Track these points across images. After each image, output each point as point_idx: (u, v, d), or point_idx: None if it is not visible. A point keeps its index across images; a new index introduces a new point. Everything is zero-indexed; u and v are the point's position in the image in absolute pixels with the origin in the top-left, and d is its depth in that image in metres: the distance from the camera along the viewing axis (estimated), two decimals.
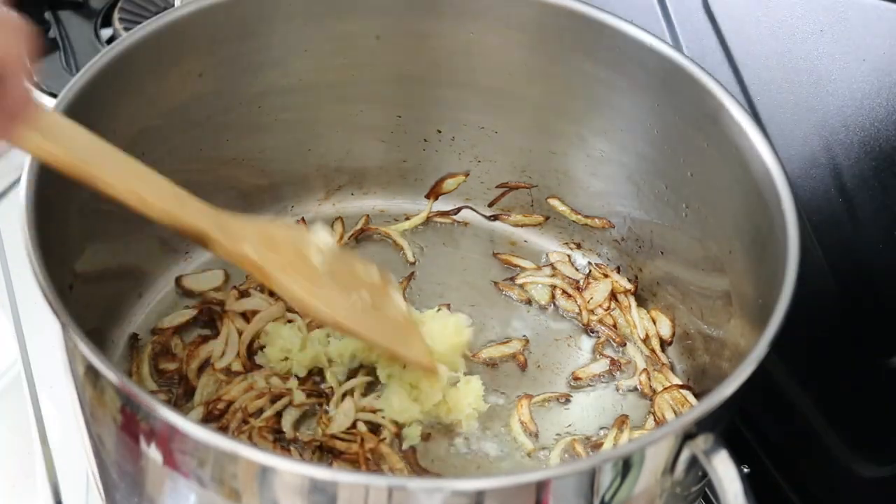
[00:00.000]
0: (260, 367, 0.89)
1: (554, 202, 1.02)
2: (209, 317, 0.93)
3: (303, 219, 1.02)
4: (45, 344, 0.99)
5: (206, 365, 0.89)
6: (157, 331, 0.92)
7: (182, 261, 0.98)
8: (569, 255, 1.02)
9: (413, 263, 1.01)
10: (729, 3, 0.98)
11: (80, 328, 0.66)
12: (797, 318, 0.71)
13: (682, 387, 0.90)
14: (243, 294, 0.94)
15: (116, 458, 0.72)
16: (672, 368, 0.94)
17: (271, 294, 0.93)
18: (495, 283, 1.00)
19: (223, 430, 0.84)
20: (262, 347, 0.90)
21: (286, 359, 0.89)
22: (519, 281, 1.00)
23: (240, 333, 0.90)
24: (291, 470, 0.62)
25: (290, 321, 0.91)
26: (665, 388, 0.91)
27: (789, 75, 0.93)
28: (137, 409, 0.66)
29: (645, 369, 0.93)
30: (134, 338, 0.91)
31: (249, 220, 0.82)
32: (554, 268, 1.01)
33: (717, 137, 0.85)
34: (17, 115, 0.62)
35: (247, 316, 0.92)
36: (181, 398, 0.87)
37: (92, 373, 0.68)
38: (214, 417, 0.85)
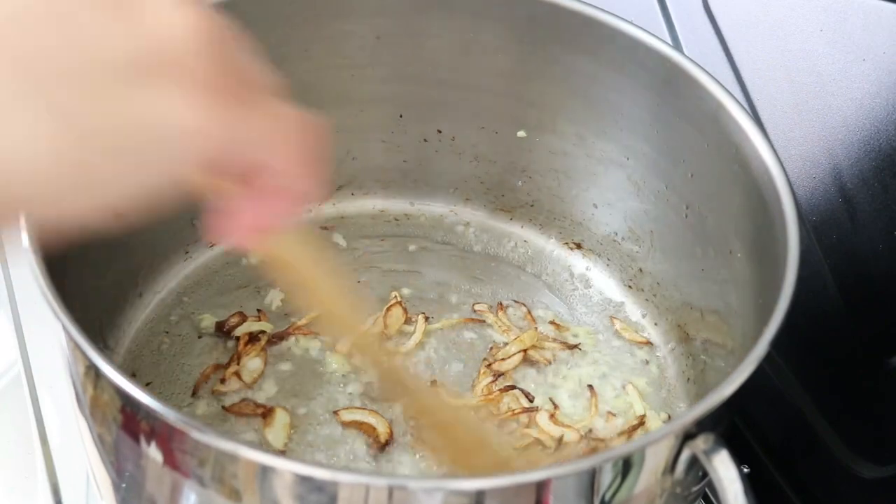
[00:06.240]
0: None
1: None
2: None
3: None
4: (45, 344, 0.99)
5: None
6: None
7: (182, 261, 0.98)
8: None
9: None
10: (729, 3, 0.98)
11: (80, 328, 0.66)
12: (797, 318, 0.71)
13: None
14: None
15: (116, 458, 0.72)
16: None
17: None
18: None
19: None
20: None
21: None
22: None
23: None
24: (291, 470, 0.62)
25: None
26: None
27: (789, 75, 0.93)
28: (137, 409, 0.66)
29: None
30: None
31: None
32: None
33: (717, 137, 0.85)
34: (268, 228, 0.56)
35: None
36: None
37: (92, 373, 0.69)
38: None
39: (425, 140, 1.03)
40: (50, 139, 0.45)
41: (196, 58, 0.47)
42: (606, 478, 0.65)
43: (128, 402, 0.66)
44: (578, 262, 1.03)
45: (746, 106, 0.91)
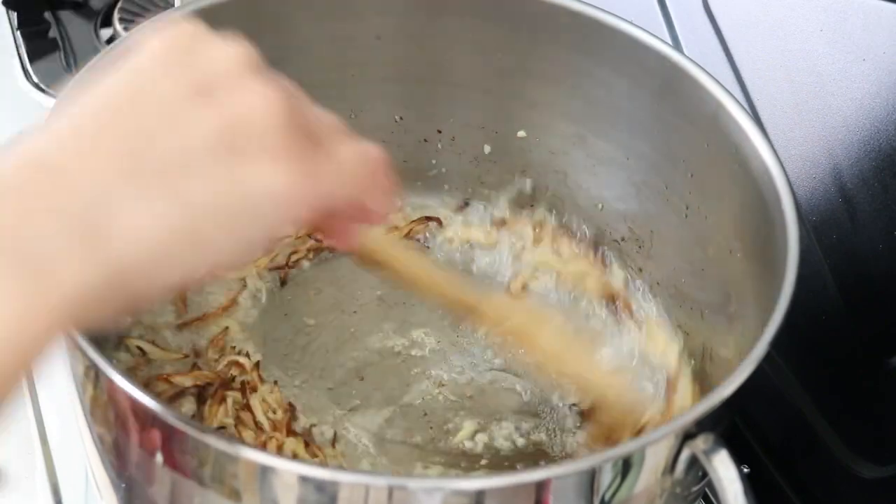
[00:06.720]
0: None
1: None
2: None
3: None
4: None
5: None
6: None
7: None
8: None
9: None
10: (729, 3, 0.98)
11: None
12: (797, 318, 0.71)
13: None
14: None
15: (116, 458, 0.72)
16: None
17: None
18: None
19: None
20: None
21: None
22: None
23: None
24: (292, 470, 0.63)
25: None
26: None
27: (789, 75, 0.93)
28: (137, 409, 0.66)
29: None
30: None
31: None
32: None
33: (717, 137, 0.85)
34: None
35: None
36: None
37: (92, 372, 0.69)
38: None
39: (425, 140, 1.03)
40: (166, 220, 0.52)
41: (275, 129, 0.55)
42: (606, 478, 0.65)
43: (128, 402, 0.66)
44: None
45: (746, 106, 0.91)
